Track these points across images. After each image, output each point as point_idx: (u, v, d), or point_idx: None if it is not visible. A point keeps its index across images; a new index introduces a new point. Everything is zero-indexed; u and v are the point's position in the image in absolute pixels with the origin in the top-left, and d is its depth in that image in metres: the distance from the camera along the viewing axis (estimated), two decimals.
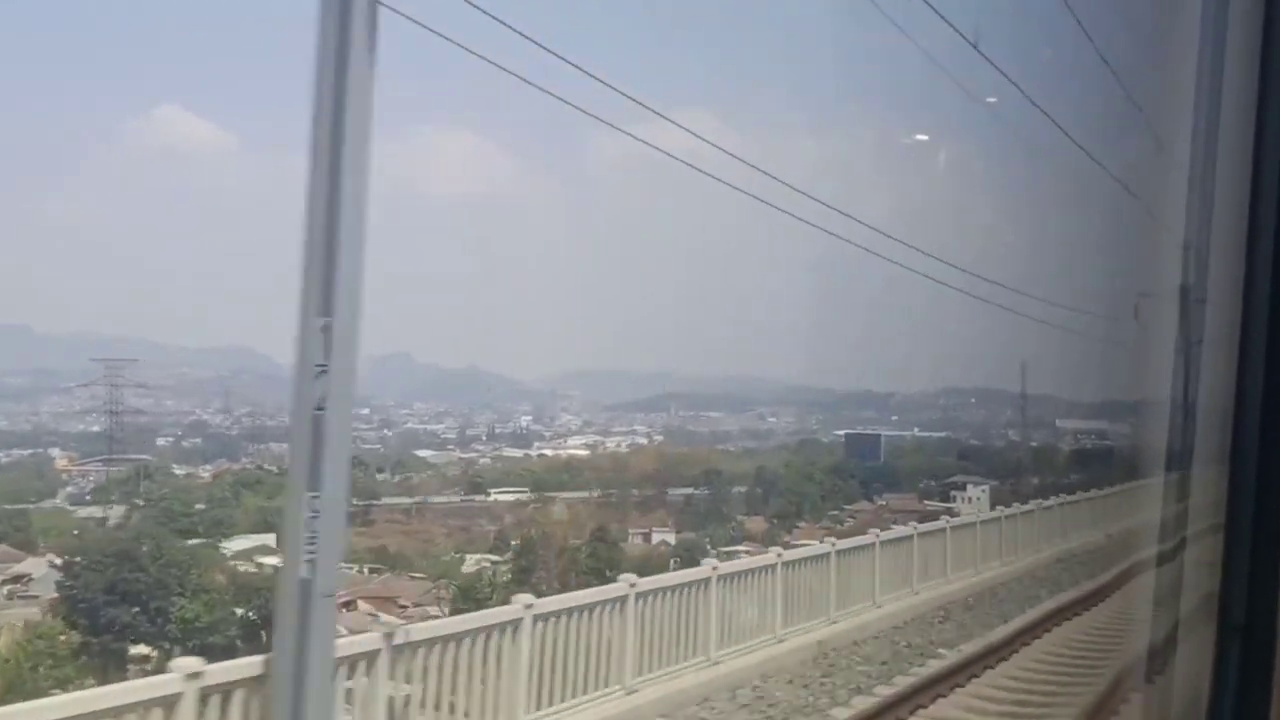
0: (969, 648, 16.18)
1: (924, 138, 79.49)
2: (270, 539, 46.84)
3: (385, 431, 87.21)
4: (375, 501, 57.55)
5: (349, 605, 40.70)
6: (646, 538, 63.22)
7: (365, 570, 49.27)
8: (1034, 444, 72.22)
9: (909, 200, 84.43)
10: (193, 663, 8.88)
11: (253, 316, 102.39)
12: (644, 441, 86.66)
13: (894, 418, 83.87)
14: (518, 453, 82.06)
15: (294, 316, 8.36)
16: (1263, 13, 2.75)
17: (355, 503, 58.29)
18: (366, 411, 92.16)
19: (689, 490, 66.78)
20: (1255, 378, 2.72)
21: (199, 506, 52.00)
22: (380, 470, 62.74)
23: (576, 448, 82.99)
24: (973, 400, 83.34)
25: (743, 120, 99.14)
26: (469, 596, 39.85)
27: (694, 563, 47.98)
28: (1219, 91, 3.11)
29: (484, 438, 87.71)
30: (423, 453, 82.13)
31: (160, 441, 77.76)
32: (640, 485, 67.91)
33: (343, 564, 37.81)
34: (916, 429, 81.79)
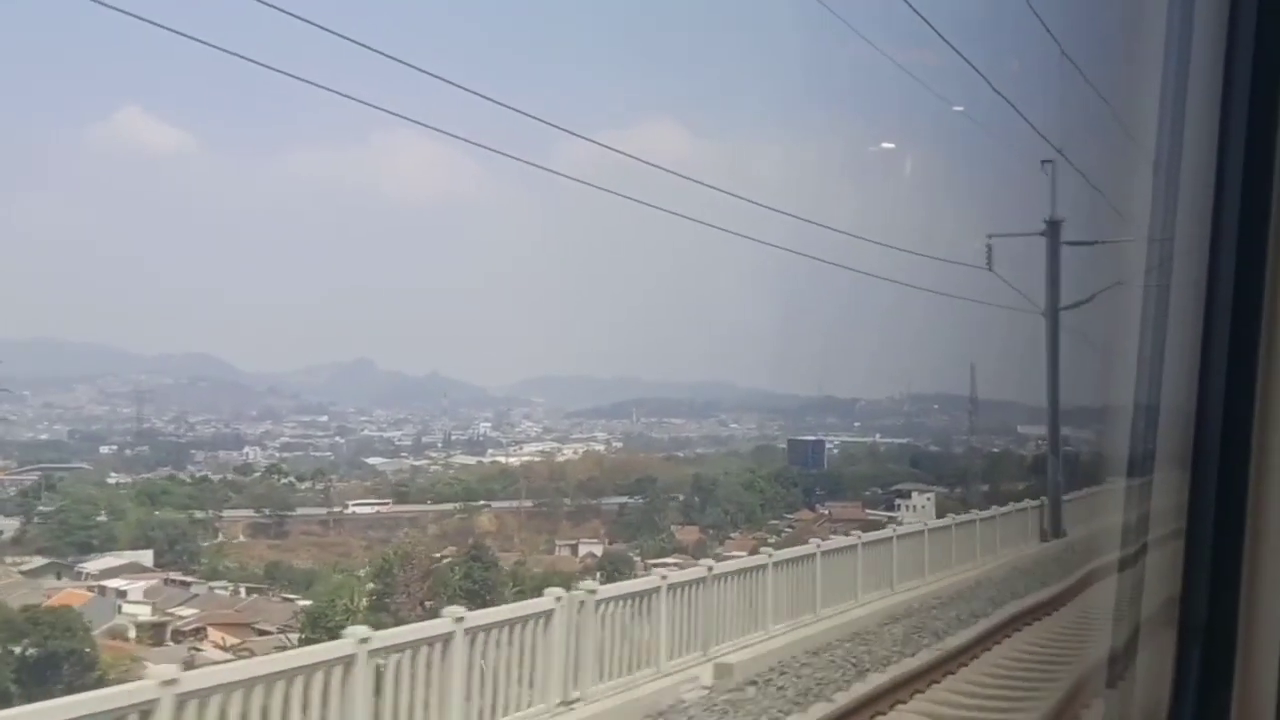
0: None
1: (890, 146, 78.14)
2: (146, 556, 45.37)
3: (337, 439, 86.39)
4: (289, 512, 56.24)
5: (197, 633, 38.81)
6: (574, 550, 61.80)
7: (243, 590, 46.69)
8: (996, 450, 70.19)
9: (876, 204, 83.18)
10: None
11: (214, 321, 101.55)
12: (601, 449, 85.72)
13: (856, 424, 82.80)
14: (471, 460, 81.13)
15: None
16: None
17: (266, 513, 57.25)
18: (325, 419, 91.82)
19: (624, 499, 65.33)
20: (1217, 382, 2.74)
21: (100, 518, 50.78)
22: (302, 479, 61.42)
23: (530, 455, 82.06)
24: (936, 406, 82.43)
25: (709, 127, 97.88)
26: (319, 624, 35.89)
27: (615, 578, 46.65)
28: (1184, 89, 3.13)
29: (439, 445, 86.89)
30: (373, 460, 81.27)
31: (104, 449, 77.08)
32: (575, 494, 66.54)
33: (216, 583, 36.64)
34: (878, 435, 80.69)
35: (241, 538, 54.20)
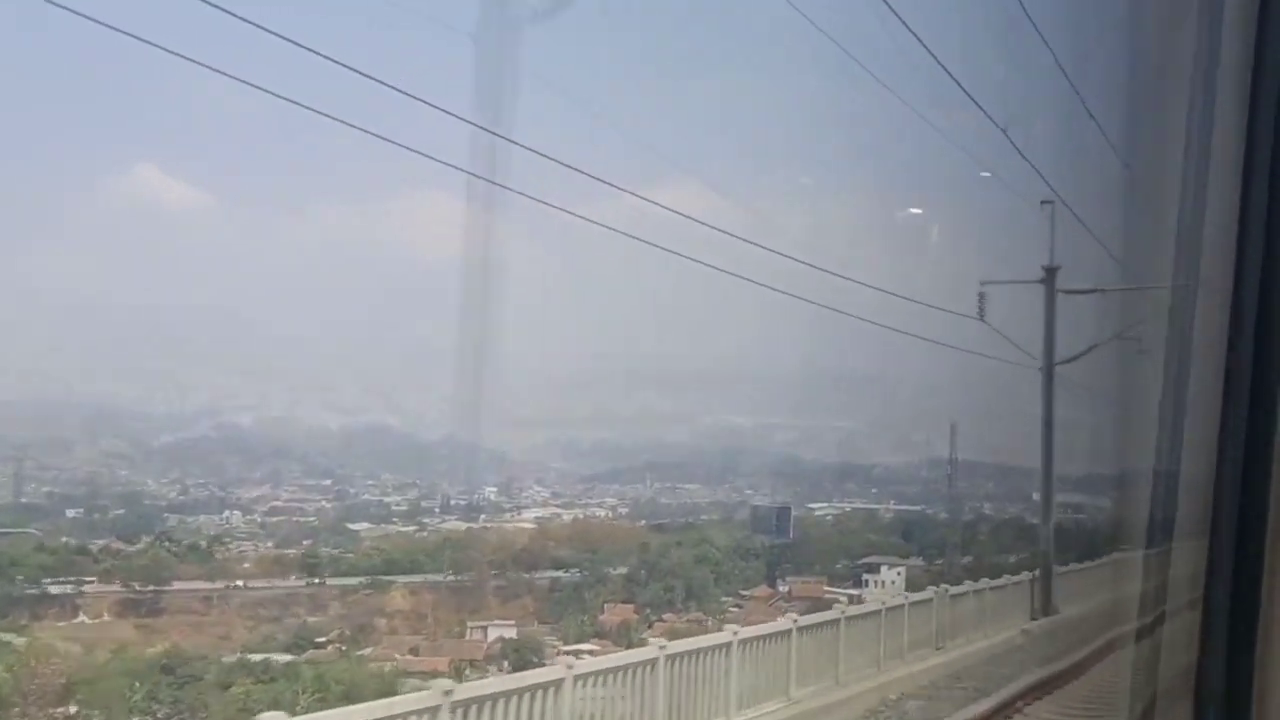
0: None
1: (917, 211, 75.55)
2: None
3: (323, 504, 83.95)
4: (165, 588, 52.43)
5: None
6: (485, 632, 56.77)
7: None
8: (1001, 518, 67.84)
9: (904, 267, 78.52)
10: None
11: (224, 381, 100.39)
12: (606, 514, 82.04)
13: (874, 490, 78.10)
14: (462, 526, 78.06)
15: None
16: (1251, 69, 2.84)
17: (136, 588, 53.60)
18: (328, 483, 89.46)
19: (557, 573, 60.39)
20: (1235, 453, 2.75)
21: None
22: (194, 548, 57.91)
23: (529, 521, 78.82)
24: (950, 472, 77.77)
25: (733, 188, 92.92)
26: None
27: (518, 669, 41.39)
28: (1207, 150, 3.15)
29: (437, 510, 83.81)
30: (356, 525, 78.59)
31: (70, 513, 75.71)
32: (509, 567, 61.89)
33: None
34: (893, 501, 75.83)
35: (107, 617, 50.38)
